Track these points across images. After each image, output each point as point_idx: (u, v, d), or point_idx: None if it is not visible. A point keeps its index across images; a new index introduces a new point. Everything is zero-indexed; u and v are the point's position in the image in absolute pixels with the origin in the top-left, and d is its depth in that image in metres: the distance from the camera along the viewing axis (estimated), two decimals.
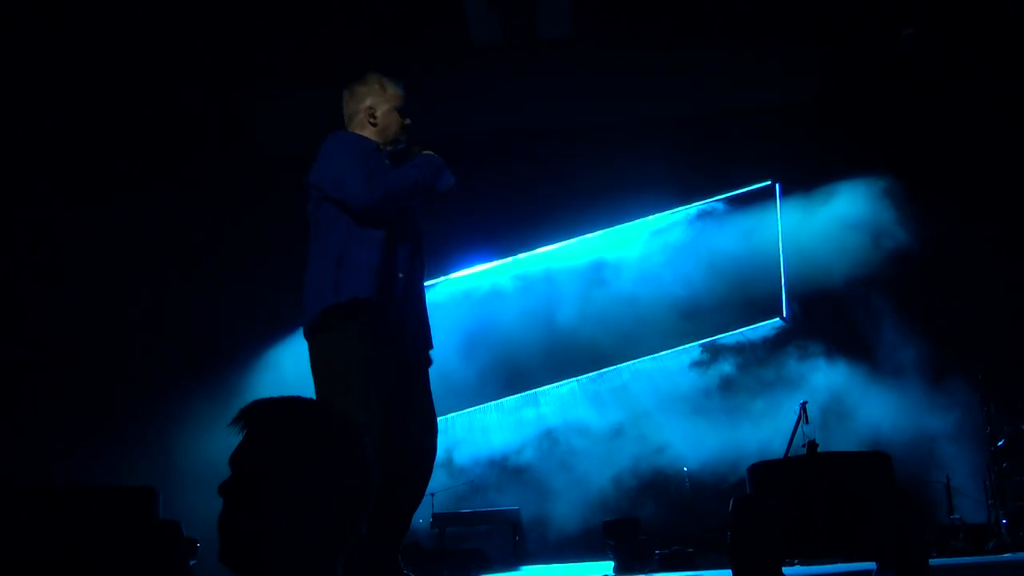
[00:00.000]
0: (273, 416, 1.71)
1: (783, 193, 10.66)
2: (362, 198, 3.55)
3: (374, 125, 3.96)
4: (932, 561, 5.74)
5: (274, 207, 9.93)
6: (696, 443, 10.00)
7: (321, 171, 3.66)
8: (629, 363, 11.13)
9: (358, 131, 3.91)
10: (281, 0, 8.49)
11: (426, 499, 9.63)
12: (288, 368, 10.17)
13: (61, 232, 9.27)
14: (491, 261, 10.97)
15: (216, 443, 9.07)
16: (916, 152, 9.88)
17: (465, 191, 10.34)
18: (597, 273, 10.80)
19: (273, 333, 10.45)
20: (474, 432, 10.87)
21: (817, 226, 9.91)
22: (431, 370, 3.98)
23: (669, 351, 10.87)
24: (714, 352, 10.87)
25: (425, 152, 4.00)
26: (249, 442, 1.68)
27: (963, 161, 9.65)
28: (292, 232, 9.94)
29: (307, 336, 3.60)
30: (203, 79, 9.32)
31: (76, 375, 9.02)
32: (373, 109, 3.95)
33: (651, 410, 10.60)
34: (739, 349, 10.91)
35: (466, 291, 11.04)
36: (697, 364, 10.87)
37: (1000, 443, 8.85)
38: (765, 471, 3.55)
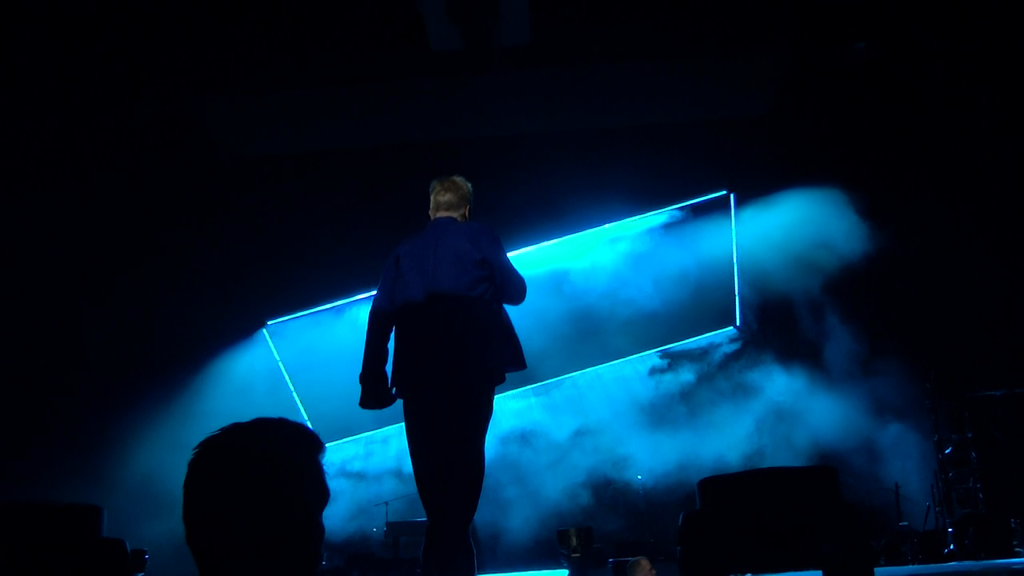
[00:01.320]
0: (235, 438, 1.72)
1: (738, 203, 10.76)
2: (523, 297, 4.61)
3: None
4: (880, 569, 5.82)
5: (223, 215, 9.85)
6: (651, 452, 10.07)
7: (499, 261, 4.44)
8: (584, 371, 11.18)
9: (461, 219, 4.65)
10: (239, 7, 8.40)
11: (380, 508, 9.62)
12: (232, 382, 10.10)
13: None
14: None
15: (159, 457, 8.96)
16: (868, 163, 10.01)
17: (422, 197, 10.32)
18: (554, 281, 10.82)
19: (217, 345, 10.34)
20: None
21: (770, 236, 10.02)
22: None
23: (624, 359, 10.92)
24: (669, 360, 10.95)
25: None
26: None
27: (914, 172, 9.79)
28: (239, 240, 9.94)
29: (477, 384, 4.17)
30: (159, 85, 9.20)
31: (17, 389, 8.80)
32: (470, 210, 4.76)
33: (606, 419, 10.65)
34: (693, 357, 11.00)
35: None
36: (653, 373, 10.94)
37: (947, 451, 9.00)
38: (715, 486, 3.57)
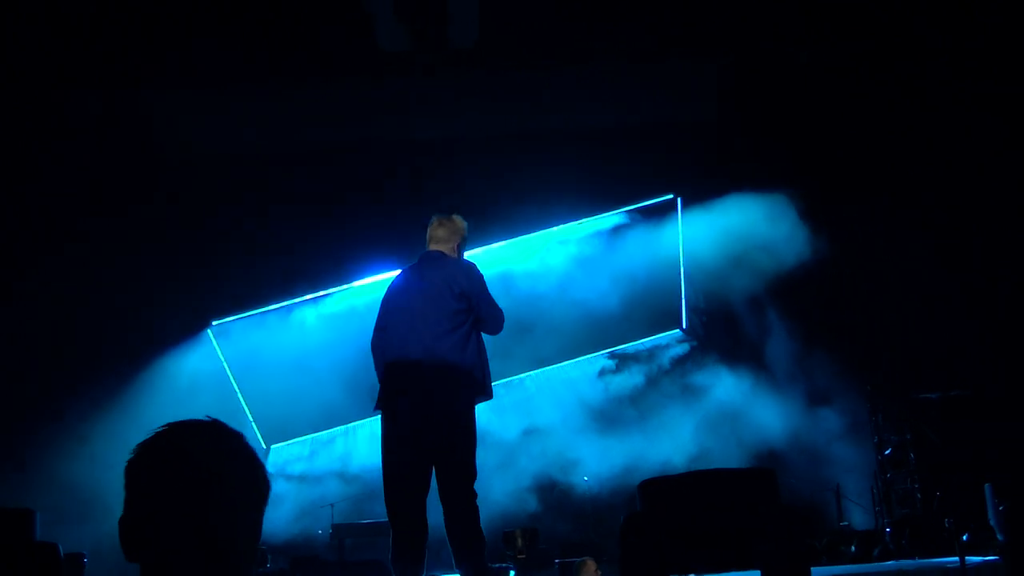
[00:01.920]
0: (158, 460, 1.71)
1: (684, 206, 10.86)
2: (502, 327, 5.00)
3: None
4: (819, 569, 5.92)
5: (167, 213, 9.70)
6: (599, 454, 10.11)
7: (478, 294, 4.84)
8: (533, 373, 11.20)
9: (451, 252, 5.07)
10: (184, 2, 8.30)
11: (325, 509, 9.55)
12: (176, 382, 9.96)
13: None
14: (395, 270, 10.89)
15: (99, 459, 8.77)
16: (810, 168, 10.16)
17: (371, 199, 10.31)
18: (503, 283, 10.82)
19: (161, 345, 10.19)
20: (375, 442, 10.79)
21: (716, 239, 10.12)
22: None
23: (573, 361, 10.96)
24: (617, 362, 11.02)
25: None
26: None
27: (854, 176, 9.95)
28: (184, 239, 9.80)
29: (453, 404, 4.77)
30: (102, 80, 9.04)
31: None
32: (461, 245, 5.16)
33: (555, 421, 10.68)
34: (641, 359, 11.08)
35: (370, 300, 10.97)
36: (601, 375, 11.00)
37: (887, 452, 9.17)
38: (655, 488, 3.61)
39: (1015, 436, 8.23)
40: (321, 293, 10.82)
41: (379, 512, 10.00)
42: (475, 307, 4.83)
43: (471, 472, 4.87)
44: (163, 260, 9.72)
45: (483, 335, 4.95)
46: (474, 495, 4.88)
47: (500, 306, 4.94)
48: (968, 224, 9.41)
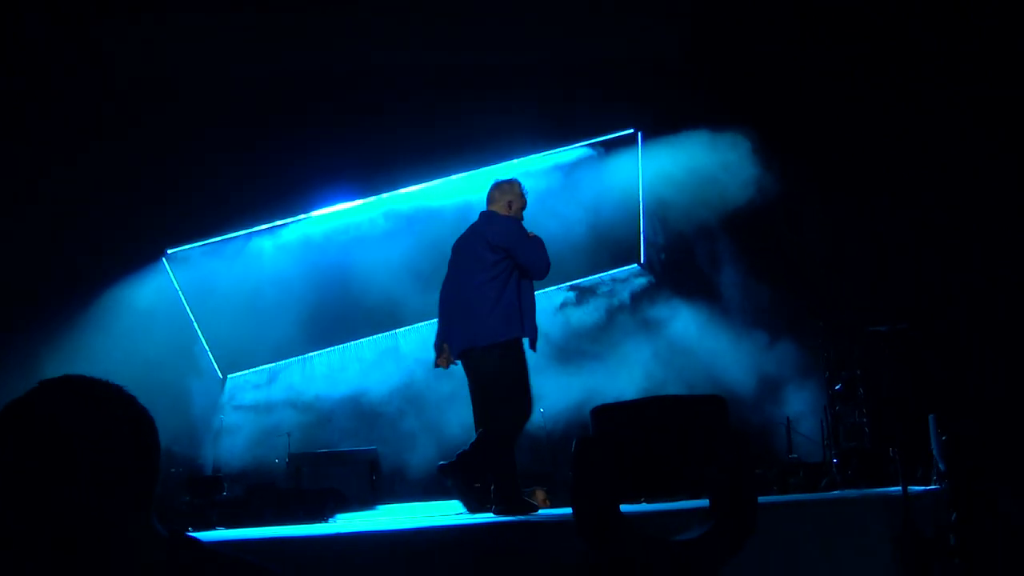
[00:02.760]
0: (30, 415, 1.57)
1: (644, 142, 10.84)
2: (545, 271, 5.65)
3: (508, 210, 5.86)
4: (767, 498, 6.05)
5: (118, 139, 9.49)
6: (555, 387, 10.18)
7: (514, 245, 5.50)
8: None
9: (502, 210, 5.83)
10: None
11: (282, 438, 9.58)
12: (130, 313, 9.85)
13: None
14: (356, 199, 10.81)
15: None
16: (774, 107, 10.18)
17: (329, 129, 10.15)
18: (462, 215, 10.77)
19: (113, 275, 10.03)
20: (334, 372, 10.80)
21: (675, 175, 10.14)
22: None
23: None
24: (577, 295, 11.06)
25: (536, 235, 5.77)
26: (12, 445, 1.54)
27: (819, 118, 10.00)
28: (137, 165, 9.59)
29: (483, 350, 5.47)
30: (48, 4, 8.75)
31: None
32: (512, 203, 5.87)
33: None
34: (599, 294, 11.13)
35: (333, 229, 10.88)
36: (561, 308, 11.04)
37: (837, 387, 9.33)
38: (607, 413, 3.65)
39: (960, 367, 8.44)
40: (279, 223, 10.71)
41: (334, 442, 10.09)
42: (513, 257, 5.48)
43: (494, 412, 5.49)
44: (116, 188, 9.54)
45: (532, 282, 5.66)
46: (495, 430, 5.52)
47: (536, 257, 5.55)
48: (922, 163, 9.53)
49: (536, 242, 5.68)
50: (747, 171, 9.86)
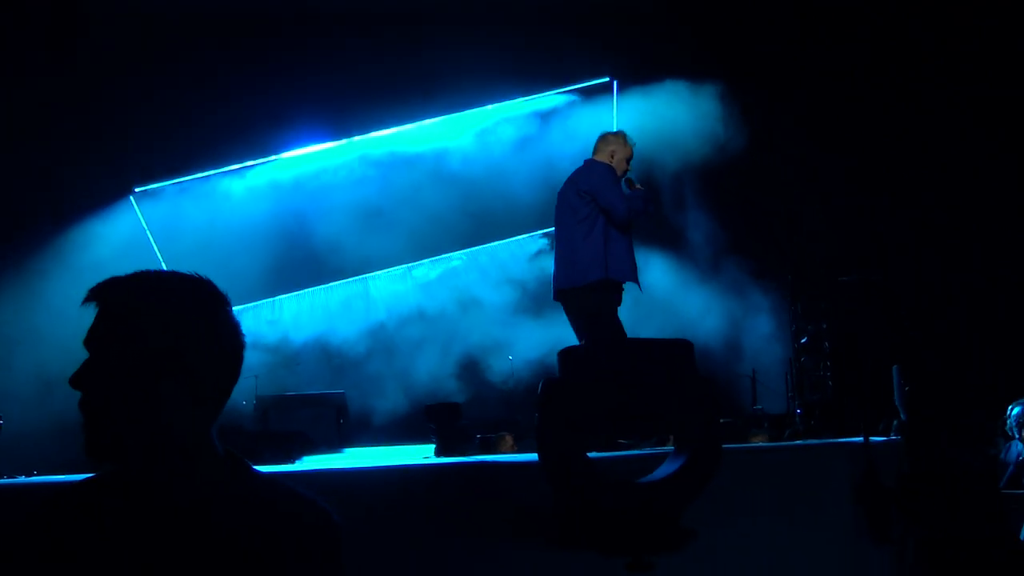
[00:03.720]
0: (128, 289, 1.61)
1: (620, 90, 10.77)
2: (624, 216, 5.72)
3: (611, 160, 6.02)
4: (730, 446, 6.11)
5: (85, 71, 9.27)
6: (525, 336, 10.21)
7: (596, 190, 5.66)
8: (464, 252, 11.19)
9: (605, 160, 5.98)
10: None
11: (249, 381, 9.54)
12: (96, 250, 9.72)
13: None
14: (327, 141, 10.69)
15: (9, 329, 8.56)
16: (749, 58, 10.13)
17: (299, 70, 9.94)
18: (433, 161, 10.70)
19: (79, 212, 9.88)
20: (302, 315, 10.76)
21: (650, 124, 10.08)
22: None
23: (502, 242, 10.97)
24: (548, 244, 11.05)
25: (640, 187, 6.04)
26: (104, 318, 1.58)
27: (790, 70, 9.98)
28: (103, 99, 9.38)
29: (576, 291, 5.69)
30: None
31: None
32: (615, 153, 6.03)
33: (481, 299, 10.73)
34: None
35: (304, 173, 10.77)
36: (535, 256, 11.03)
37: (803, 340, 9.43)
38: (574, 356, 3.65)
39: (924, 319, 8.55)
40: (249, 163, 10.58)
41: (301, 385, 10.07)
42: (596, 200, 5.64)
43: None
44: (82, 123, 9.33)
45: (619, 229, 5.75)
46: None
47: (618, 202, 5.64)
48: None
49: (624, 192, 5.87)
50: (722, 122, 9.83)
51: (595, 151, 6.08)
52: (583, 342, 5.77)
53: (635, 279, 5.88)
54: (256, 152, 10.48)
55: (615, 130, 6.21)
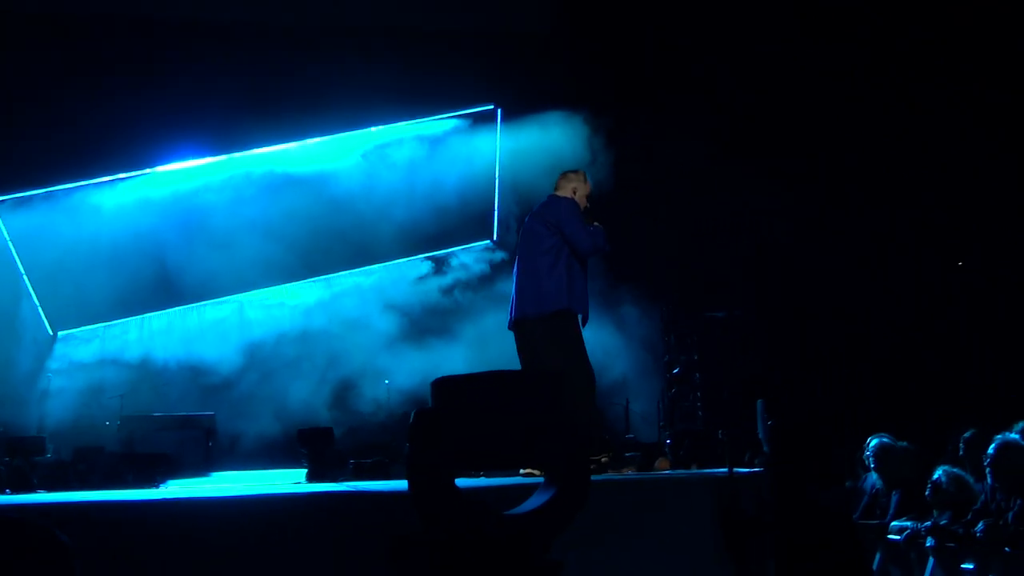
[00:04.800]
0: None
1: (504, 119, 10.89)
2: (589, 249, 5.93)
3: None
4: (599, 476, 6.21)
5: None
6: (401, 361, 10.16)
7: (563, 222, 5.82)
8: (343, 274, 11.08)
9: (568, 195, 6.12)
10: None
11: (114, 401, 9.21)
12: None
13: None
14: (198, 158, 10.47)
15: None
16: (630, 91, 10.34)
17: (178, 83, 9.67)
18: (316, 181, 10.58)
19: None
20: (173, 334, 10.46)
21: (531, 153, 10.20)
22: None
23: (383, 264, 10.91)
24: (431, 269, 11.04)
25: (597, 224, 6.10)
26: None
27: (665, 103, 10.21)
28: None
29: (538, 320, 5.78)
30: None
31: None
32: (576, 190, 6.21)
33: (359, 323, 10.63)
34: (451, 270, 11.14)
35: (182, 189, 10.50)
36: (418, 281, 10.99)
37: (675, 371, 9.65)
38: (446, 386, 3.65)
39: (787, 356, 8.85)
40: (120, 176, 10.26)
41: (169, 406, 9.77)
42: (561, 231, 5.81)
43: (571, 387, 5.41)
44: None
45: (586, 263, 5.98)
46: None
47: (583, 235, 5.81)
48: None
49: (587, 226, 6.03)
50: (599, 152, 9.99)
51: (557, 187, 6.28)
52: (541, 368, 5.84)
53: (587, 313, 6.08)
54: (130, 164, 10.18)
55: (579, 170, 6.45)
